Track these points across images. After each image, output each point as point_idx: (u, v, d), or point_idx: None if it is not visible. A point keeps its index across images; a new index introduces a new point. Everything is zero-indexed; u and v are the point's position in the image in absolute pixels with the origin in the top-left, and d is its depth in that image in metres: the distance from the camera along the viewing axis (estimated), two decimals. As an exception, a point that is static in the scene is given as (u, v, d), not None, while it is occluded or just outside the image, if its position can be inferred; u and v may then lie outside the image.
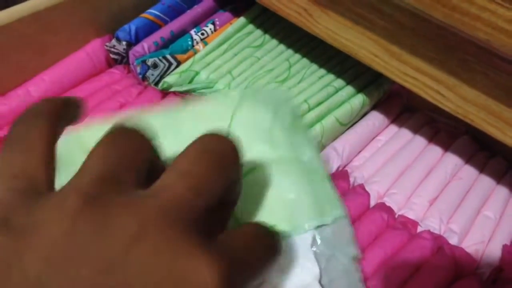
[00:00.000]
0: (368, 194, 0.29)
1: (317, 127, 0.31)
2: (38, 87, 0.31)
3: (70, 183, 0.14)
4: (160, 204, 0.13)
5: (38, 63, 0.32)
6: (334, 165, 0.31)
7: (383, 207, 0.28)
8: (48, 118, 0.16)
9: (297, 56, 0.35)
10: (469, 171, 0.31)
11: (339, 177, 0.30)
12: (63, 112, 0.17)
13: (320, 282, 0.21)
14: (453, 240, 0.27)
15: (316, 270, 0.22)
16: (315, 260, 0.22)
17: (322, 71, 0.34)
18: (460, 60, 0.23)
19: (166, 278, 0.12)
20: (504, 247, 0.27)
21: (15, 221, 0.13)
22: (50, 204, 0.13)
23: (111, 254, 0.12)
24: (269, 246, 0.16)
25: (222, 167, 0.15)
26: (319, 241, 0.22)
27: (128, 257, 0.12)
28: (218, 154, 0.15)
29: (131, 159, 0.15)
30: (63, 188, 0.14)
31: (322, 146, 0.31)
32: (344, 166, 0.32)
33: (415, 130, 0.33)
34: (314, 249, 0.22)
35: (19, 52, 0.30)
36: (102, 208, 0.13)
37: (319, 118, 0.31)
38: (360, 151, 0.33)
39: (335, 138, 0.32)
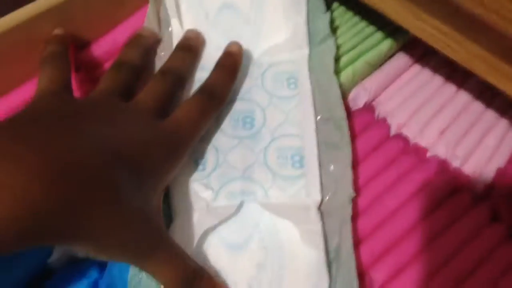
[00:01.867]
0: (389, 126, 0.36)
1: (349, 69, 0.37)
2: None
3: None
4: None
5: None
6: (362, 101, 0.37)
7: (400, 137, 0.35)
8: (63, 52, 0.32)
9: (334, 5, 0.40)
10: (476, 106, 0.37)
11: (366, 111, 0.37)
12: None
13: (319, 209, 0.28)
14: (455, 163, 0.34)
15: (318, 198, 0.29)
16: (319, 190, 0.30)
17: (355, 19, 0.40)
18: (468, 21, 0.28)
19: None
20: (498, 169, 0.34)
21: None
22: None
23: None
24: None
25: None
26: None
27: None
28: None
29: None
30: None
31: (353, 85, 0.38)
32: (372, 101, 0.38)
33: (434, 70, 0.39)
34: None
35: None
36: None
37: (351, 61, 0.38)
38: (385, 88, 0.39)
39: (364, 77, 0.38)
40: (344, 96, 0.37)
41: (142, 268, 0.25)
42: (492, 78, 0.29)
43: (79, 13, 0.35)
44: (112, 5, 0.37)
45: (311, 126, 0.32)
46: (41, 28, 0.33)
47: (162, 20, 0.37)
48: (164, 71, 0.32)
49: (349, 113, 0.36)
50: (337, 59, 0.37)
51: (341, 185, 0.30)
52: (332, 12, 0.40)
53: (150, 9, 0.37)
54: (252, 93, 0.34)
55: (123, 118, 0.27)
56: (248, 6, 0.36)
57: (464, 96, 0.37)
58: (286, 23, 0.35)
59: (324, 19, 0.35)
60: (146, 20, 0.37)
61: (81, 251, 0.26)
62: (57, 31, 0.34)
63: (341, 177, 0.31)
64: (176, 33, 0.36)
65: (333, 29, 0.39)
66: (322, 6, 0.36)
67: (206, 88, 0.31)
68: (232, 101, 0.34)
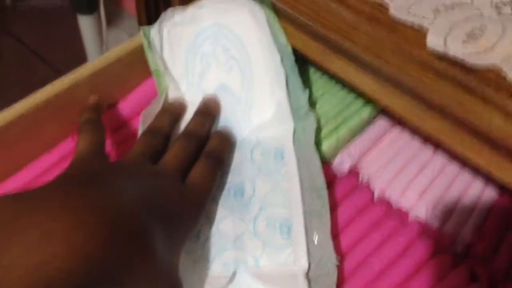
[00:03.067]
0: (372, 190, 0.38)
1: (333, 137, 0.40)
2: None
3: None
4: None
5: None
6: (347, 166, 0.40)
7: (383, 201, 0.37)
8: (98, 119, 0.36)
9: (318, 75, 0.44)
10: (453, 167, 0.40)
11: (351, 175, 0.39)
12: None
13: (307, 276, 0.30)
14: (435, 224, 0.36)
15: (305, 266, 0.31)
16: (306, 257, 0.32)
17: (337, 88, 0.43)
18: (434, 103, 0.31)
19: None
20: (475, 227, 0.36)
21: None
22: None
23: None
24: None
25: None
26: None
27: None
28: None
29: None
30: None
31: (337, 152, 0.40)
32: (356, 164, 0.41)
33: (413, 132, 0.42)
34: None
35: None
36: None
37: (335, 128, 0.40)
38: (368, 151, 0.41)
39: (347, 143, 0.41)
40: (329, 161, 0.40)
41: None
42: (457, 148, 0.31)
43: (104, 80, 0.39)
44: (131, 71, 0.42)
45: (297, 196, 0.34)
46: (75, 95, 0.38)
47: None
48: (188, 135, 0.36)
49: (335, 179, 0.39)
50: (321, 128, 0.40)
51: (326, 253, 0.32)
52: (315, 82, 0.43)
53: (158, 90, 0.41)
54: (241, 167, 0.37)
55: (153, 179, 0.30)
56: (239, 88, 0.39)
57: (440, 158, 0.40)
58: (271, 99, 0.38)
59: (304, 96, 0.38)
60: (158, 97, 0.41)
61: None
62: (92, 99, 0.38)
63: (324, 244, 0.33)
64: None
65: (318, 97, 0.42)
66: (300, 83, 0.39)
67: (212, 153, 0.35)
68: (223, 174, 0.37)
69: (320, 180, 0.36)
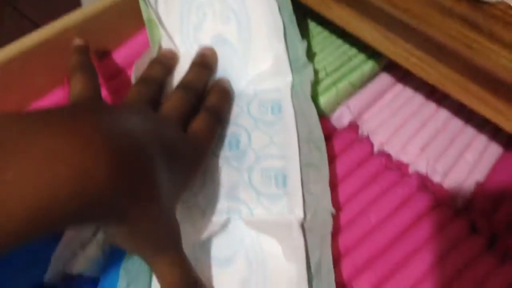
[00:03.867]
0: (372, 143, 0.37)
1: (333, 90, 0.39)
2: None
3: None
4: None
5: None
6: (347, 120, 0.39)
7: (383, 154, 0.36)
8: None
9: (318, 29, 0.42)
10: (456, 123, 0.38)
11: (350, 129, 0.38)
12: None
13: (302, 225, 0.29)
14: (436, 179, 0.35)
15: (300, 215, 0.30)
16: (302, 207, 0.31)
17: (338, 42, 0.41)
18: (439, 48, 0.30)
19: None
20: (477, 184, 0.35)
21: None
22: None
23: None
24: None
25: None
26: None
27: None
28: None
29: None
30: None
31: (336, 105, 0.39)
32: (356, 120, 0.39)
33: (415, 89, 0.40)
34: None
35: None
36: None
37: (335, 82, 0.39)
38: (369, 107, 0.40)
39: (348, 97, 0.40)
40: (329, 115, 0.39)
41: (151, 264, 0.26)
42: (463, 98, 0.30)
43: (96, 27, 0.38)
44: (125, 20, 0.40)
45: (295, 148, 0.33)
46: (66, 41, 0.36)
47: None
48: (185, 86, 0.34)
49: (334, 132, 0.38)
50: (320, 81, 0.39)
51: (322, 203, 0.32)
52: (316, 36, 0.42)
53: (150, 40, 0.39)
54: (238, 119, 0.36)
55: (156, 120, 0.29)
56: (237, 38, 0.38)
57: (444, 113, 0.39)
58: (269, 51, 0.37)
59: (301, 47, 0.37)
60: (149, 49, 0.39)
61: (109, 235, 0.25)
62: (78, 41, 0.36)
63: (321, 195, 0.32)
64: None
65: (317, 52, 0.41)
66: (298, 35, 0.38)
67: (212, 108, 0.34)
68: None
69: (317, 132, 0.35)
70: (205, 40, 0.39)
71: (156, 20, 0.39)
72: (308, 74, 0.37)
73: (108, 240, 0.31)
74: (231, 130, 0.35)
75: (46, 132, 0.20)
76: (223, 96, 0.36)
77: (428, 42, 0.30)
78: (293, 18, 0.38)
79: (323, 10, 0.35)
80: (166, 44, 0.39)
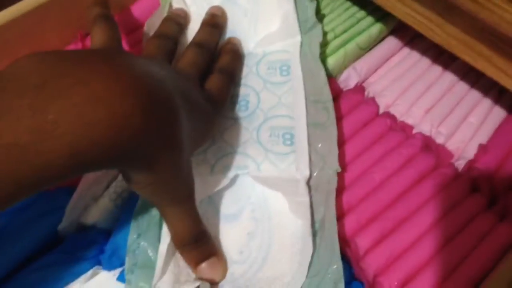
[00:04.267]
0: (377, 105, 0.38)
1: (341, 52, 0.39)
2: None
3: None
4: None
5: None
6: (353, 82, 0.39)
7: (388, 115, 0.37)
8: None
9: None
10: (461, 87, 0.39)
11: (356, 91, 0.39)
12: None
13: (308, 183, 0.30)
14: (439, 140, 0.36)
15: (306, 173, 0.31)
16: (308, 166, 0.32)
17: (347, 4, 0.41)
18: (446, 6, 0.30)
19: None
20: (479, 146, 0.36)
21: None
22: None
23: None
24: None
25: None
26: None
27: None
28: None
29: None
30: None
31: (344, 67, 0.40)
32: (362, 82, 0.40)
33: (422, 53, 0.41)
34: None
35: None
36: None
37: (343, 44, 0.39)
38: (376, 70, 0.41)
39: (356, 60, 0.40)
40: (336, 77, 0.39)
41: (164, 213, 0.27)
42: (468, 57, 0.31)
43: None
44: None
45: (302, 108, 0.34)
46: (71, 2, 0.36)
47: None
48: (198, 44, 0.35)
49: (341, 93, 0.39)
50: (329, 43, 0.39)
51: (328, 161, 0.32)
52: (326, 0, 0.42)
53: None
54: (247, 79, 0.36)
55: (176, 73, 0.29)
56: None
57: (449, 77, 0.39)
58: (278, 12, 0.38)
59: (311, 7, 0.38)
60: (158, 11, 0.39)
61: (130, 181, 0.25)
62: None
63: (328, 154, 0.33)
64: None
65: (326, 14, 0.41)
66: None
67: (225, 69, 0.35)
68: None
69: (325, 93, 0.35)
70: (216, 1, 0.39)
71: None
72: (317, 35, 0.37)
73: (127, 187, 0.32)
74: (241, 90, 0.36)
75: (87, 73, 0.20)
76: (235, 57, 0.36)
77: (436, 1, 0.30)
78: None
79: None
80: (177, 4, 0.39)
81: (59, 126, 0.19)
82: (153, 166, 0.23)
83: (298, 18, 0.37)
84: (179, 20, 0.37)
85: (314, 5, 0.38)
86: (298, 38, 0.37)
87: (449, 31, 0.31)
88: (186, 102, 0.26)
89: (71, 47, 0.38)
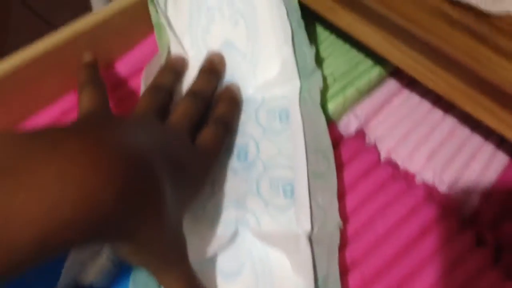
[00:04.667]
0: (379, 152, 0.37)
1: (340, 97, 0.38)
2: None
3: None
4: None
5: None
6: (354, 127, 0.39)
7: (389, 163, 0.37)
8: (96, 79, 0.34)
9: (326, 34, 0.42)
10: (463, 131, 0.38)
11: (357, 137, 0.38)
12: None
13: (310, 238, 0.30)
14: (442, 189, 0.35)
15: (308, 227, 0.30)
16: (309, 219, 0.31)
17: (346, 47, 0.41)
18: (446, 57, 0.30)
19: None
20: (484, 193, 0.35)
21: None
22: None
23: None
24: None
25: None
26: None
27: None
28: None
29: None
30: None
31: (344, 112, 0.39)
32: (362, 127, 0.39)
33: (422, 95, 0.40)
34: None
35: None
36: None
37: (342, 89, 0.39)
38: (376, 113, 0.40)
39: (355, 104, 0.40)
40: (336, 121, 0.39)
41: (158, 279, 0.26)
42: (470, 108, 0.30)
43: (100, 37, 0.38)
44: (129, 28, 0.40)
45: (302, 158, 0.34)
46: (76, 47, 0.36)
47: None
48: (194, 93, 0.34)
49: (341, 139, 0.38)
50: (328, 87, 0.39)
51: (330, 215, 0.32)
52: (323, 41, 0.42)
53: (159, 45, 0.39)
54: (246, 127, 0.36)
55: (164, 133, 0.29)
56: (245, 43, 0.38)
57: (450, 121, 0.39)
58: (277, 56, 0.37)
59: (310, 53, 0.37)
60: (158, 55, 0.39)
61: (117, 250, 0.25)
62: (87, 56, 0.36)
63: (329, 207, 0.32)
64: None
65: (325, 57, 0.41)
66: (306, 40, 0.38)
67: (221, 119, 0.34)
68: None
69: (325, 141, 0.35)
70: (214, 43, 0.39)
71: (165, 23, 0.39)
72: (316, 81, 0.37)
73: (116, 254, 0.32)
74: (240, 139, 0.35)
75: (55, 153, 0.20)
76: (232, 105, 0.36)
77: (435, 52, 0.30)
78: (302, 23, 0.38)
79: (330, 16, 0.35)
80: (175, 48, 0.38)
81: (27, 209, 0.18)
82: (135, 237, 0.23)
83: (297, 63, 0.37)
84: (176, 68, 0.37)
85: (313, 51, 0.37)
86: (297, 83, 0.37)
87: (449, 81, 0.31)
88: (172, 165, 0.26)
89: (71, 96, 0.38)
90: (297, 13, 0.38)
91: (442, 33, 0.29)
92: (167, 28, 0.39)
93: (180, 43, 0.39)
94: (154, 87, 0.34)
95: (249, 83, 0.38)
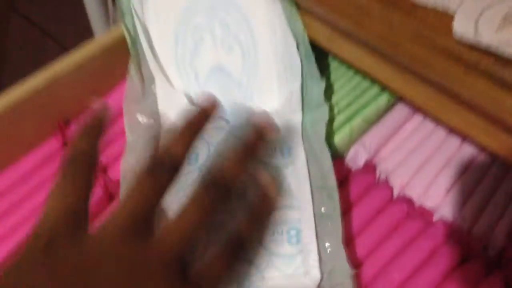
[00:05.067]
0: (391, 188, 0.34)
1: (346, 128, 0.36)
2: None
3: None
4: None
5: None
6: (362, 159, 0.36)
7: (403, 200, 0.33)
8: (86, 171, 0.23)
9: (329, 60, 0.39)
10: (483, 160, 0.35)
11: (366, 171, 0.35)
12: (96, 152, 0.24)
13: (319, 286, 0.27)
14: (464, 226, 0.32)
15: (317, 277, 0.27)
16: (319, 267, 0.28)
17: (350, 73, 0.38)
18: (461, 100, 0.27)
19: None
20: (508, 228, 0.32)
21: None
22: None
23: None
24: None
25: None
26: None
27: None
28: None
29: None
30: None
31: (351, 143, 0.36)
32: (372, 159, 0.36)
33: (436, 120, 0.37)
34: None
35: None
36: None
37: (348, 119, 0.36)
38: (386, 143, 0.37)
39: (362, 134, 0.37)
40: (343, 154, 0.36)
41: None
42: (490, 144, 0.27)
43: (68, 91, 0.35)
44: (98, 79, 0.36)
45: (307, 197, 0.31)
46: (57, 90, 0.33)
47: (145, 78, 0.36)
48: (213, 182, 0.23)
49: (349, 174, 0.35)
50: (333, 118, 0.36)
51: (339, 261, 0.29)
52: (326, 67, 0.39)
53: (131, 67, 0.36)
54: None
55: (138, 274, 0.20)
56: (240, 71, 0.35)
57: (469, 149, 0.35)
58: (279, 90, 0.34)
59: (319, 87, 0.34)
60: (129, 80, 0.36)
61: None
62: (97, 103, 0.25)
63: (337, 252, 0.29)
64: (160, 90, 0.35)
65: (330, 83, 0.38)
66: (317, 74, 0.35)
67: (236, 240, 0.23)
68: None
69: (330, 179, 0.32)
70: (203, 68, 0.36)
71: (144, 45, 0.36)
72: (322, 115, 0.34)
73: None
74: None
75: None
76: (261, 216, 0.25)
77: (450, 92, 0.27)
78: (312, 56, 0.35)
79: (333, 49, 0.32)
80: (160, 81, 0.35)
81: None
82: None
83: (302, 97, 0.34)
84: (199, 121, 0.26)
85: (323, 85, 0.34)
86: (299, 117, 0.34)
87: (465, 117, 0.28)
88: None
89: (52, 140, 0.35)
90: (307, 46, 0.35)
91: (458, 76, 0.25)
92: (146, 50, 0.36)
93: (164, 72, 0.36)
94: (147, 174, 0.23)
95: (243, 112, 0.35)
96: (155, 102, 0.35)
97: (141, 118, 0.35)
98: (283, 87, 0.35)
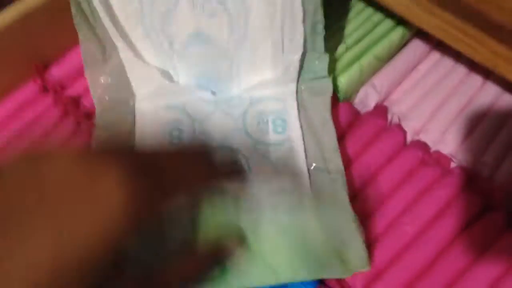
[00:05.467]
0: (404, 132, 0.31)
1: (355, 67, 0.32)
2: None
3: None
4: None
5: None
6: (372, 102, 0.32)
7: (418, 145, 0.30)
8: None
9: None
10: (507, 99, 0.32)
11: (377, 114, 0.32)
12: None
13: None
14: (484, 173, 0.29)
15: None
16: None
17: (360, 5, 0.34)
18: (490, 25, 0.23)
19: None
20: (534, 177, 0.29)
21: None
22: None
23: None
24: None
25: None
26: None
27: None
28: None
29: None
30: None
31: (360, 85, 0.33)
32: (383, 101, 0.33)
33: (456, 58, 0.33)
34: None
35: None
36: None
37: (357, 57, 0.32)
38: (399, 84, 0.34)
39: (373, 74, 0.33)
40: (351, 97, 0.33)
41: None
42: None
43: (43, 28, 0.31)
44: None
45: (305, 182, 0.28)
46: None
47: (104, 42, 0.30)
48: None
49: (358, 117, 0.32)
50: (339, 57, 0.32)
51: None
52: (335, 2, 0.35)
53: (79, 31, 0.30)
54: (233, 139, 0.29)
55: None
56: (226, 38, 0.31)
57: (492, 89, 0.32)
58: (274, 61, 0.30)
59: (322, 59, 0.30)
60: (82, 46, 0.30)
61: None
62: None
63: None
64: (126, 60, 0.30)
65: (334, 21, 0.34)
66: (322, 45, 0.30)
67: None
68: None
69: (335, 161, 0.28)
70: (179, 36, 0.31)
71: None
72: (325, 88, 0.30)
73: None
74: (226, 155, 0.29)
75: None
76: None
77: (473, 13, 0.23)
78: (320, 27, 0.30)
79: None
80: (124, 53, 0.30)
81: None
82: None
83: (300, 70, 0.30)
84: None
85: (327, 57, 0.30)
86: (293, 86, 0.30)
87: (494, 49, 0.24)
88: None
89: (30, 84, 0.32)
90: (315, 15, 0.30)
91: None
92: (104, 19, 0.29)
93: (127, 38, 0.30)
94: None
95: (231, 82, 0.31)
96: (121, 66, 0.30)
97: (104, 80, 0.30)
98: (278, 58, 0.30)
